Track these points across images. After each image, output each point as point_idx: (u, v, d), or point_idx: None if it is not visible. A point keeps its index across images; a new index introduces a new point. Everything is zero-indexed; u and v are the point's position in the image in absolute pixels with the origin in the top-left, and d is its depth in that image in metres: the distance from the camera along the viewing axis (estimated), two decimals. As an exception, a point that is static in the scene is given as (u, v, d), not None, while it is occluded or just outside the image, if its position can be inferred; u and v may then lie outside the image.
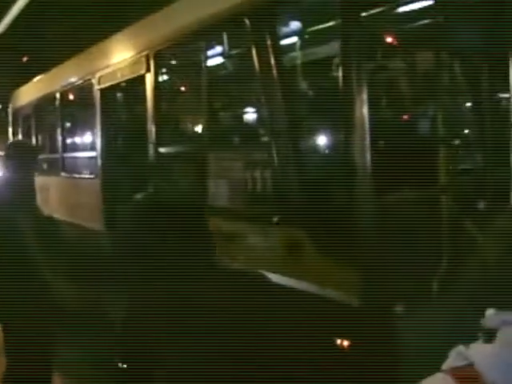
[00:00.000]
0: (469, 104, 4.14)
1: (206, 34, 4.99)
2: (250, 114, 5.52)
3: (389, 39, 4.74)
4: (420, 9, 4.29)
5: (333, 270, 3.55)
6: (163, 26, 5.61)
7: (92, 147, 7.75)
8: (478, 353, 0.95)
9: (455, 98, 4.12)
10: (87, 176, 7.90)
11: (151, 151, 5.88)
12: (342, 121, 3.57)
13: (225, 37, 5.25)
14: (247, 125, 5.59)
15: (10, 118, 11.79)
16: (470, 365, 0.94)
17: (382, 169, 3.40)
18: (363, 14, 3.43)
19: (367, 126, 3.35)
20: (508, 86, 2.60)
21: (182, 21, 5.14)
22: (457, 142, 4.03)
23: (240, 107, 5.77)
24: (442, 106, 3.94)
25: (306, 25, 4.62)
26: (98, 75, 7.24)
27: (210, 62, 5.37)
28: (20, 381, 3.85)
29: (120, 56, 6.61)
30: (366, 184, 3.40)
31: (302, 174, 3.83)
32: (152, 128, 5.83)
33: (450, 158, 3.90)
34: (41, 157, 10.12)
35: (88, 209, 7.67)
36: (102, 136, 7.28)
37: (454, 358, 1.00)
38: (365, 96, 3.36)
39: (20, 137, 10.90)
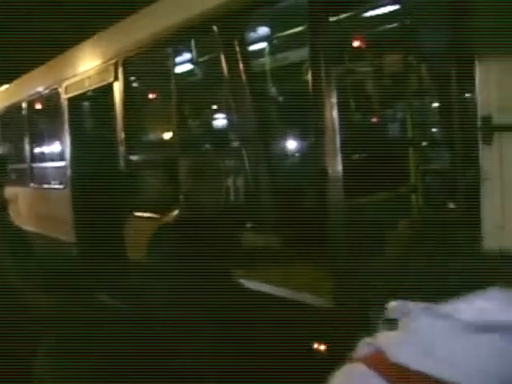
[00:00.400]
0: (437, 105, 4.19)
1: (176, 40, 4.97)
2: (221, 120, 5.52)
3: (357, 43, 4.78)
4: (386, 13, 4.34)
5: (306, 274, 3.56)
6: (132, 32, 5.57)
7: (61, 157, 7.66)
8: (384, 340, 1.06)
9: (424, 99, 4.17)
10: (57, 186, 7.80)
11: (122, 159, 5.84)
12: (312, 125, 3.59)
13: (194, 43, 5.25)
14: (218, 131, 5.59)
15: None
16: (379, 352, 1.04)
17: (352, 171, 3.43)
18: (331, 19, 3.45)
19: (337, 129, 3.37)
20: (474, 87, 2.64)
21: (150, 28, 5.12)
22: (425, 143, 4.07)
23: (210, 113, 5.76)
24: (410, 108, 3.99)
25: (275, 30, 4.64)
26: (65, 84, 7.17)
27: (180, 69, 5.36)
28: None
29: (87, 64, 6.56)
30: (336, 187, 3.42)
31: (273, 178, 3.84)
32: (122, 136, 5.79)
33: (419, 158, 3.95)
34: (10, 167, 9.95)
35: (58, 220, 7.57)
36: (72, 145, 7.20)
37: (363, 347, 1.10)
38: (334, 99, 3.38)
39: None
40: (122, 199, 5.93)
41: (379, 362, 1.04)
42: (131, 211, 5.65)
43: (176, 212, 3.83)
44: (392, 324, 1.08)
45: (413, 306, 1.06)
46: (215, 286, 3.65)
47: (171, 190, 5.01)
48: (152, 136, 6.50)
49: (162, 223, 3.92)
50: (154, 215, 5.25)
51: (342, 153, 3.37)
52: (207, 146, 5.19)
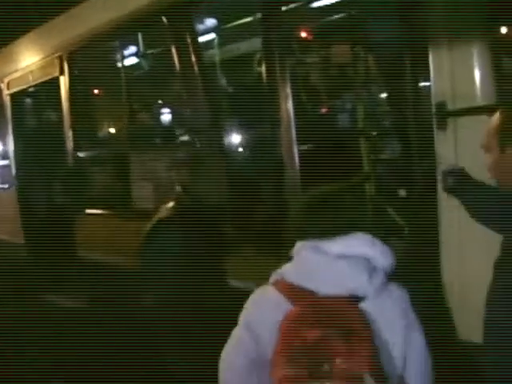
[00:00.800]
0: (389, 95, 4.24)
1: (123, 33, 4.87)
2: (171, 114, 5.44)
3: (306, 33, 4.79)
4: (337, 2, 4.36)
5: (267, 267, 3.54)
6: (77, 25, 5.43)
7: (4, 156, 7.42)
8: (285, 269, 1.64)
9: (374, 89, 4.22)
10: (1, 186, 7.55)
11: (69, 156, 5.70)
12: (266, 116, 3.58)
13: (141, 36, 5.15)
14: (168, 125, 5.51)
15: None
16: (282, 277, 1.62)
17: (307, 162, 3.43)
18: (283, 9, 3.45)
19: (292, 119, 3.38)
20: (428, 76, 2.68)
21: (97, 19, 4.99)
22: (376, 132, 4.12)
23: (160, 107, 5.68)
24: (362, 99, 4.03)
25: (225, 21, 4.59)
26: (6, 80, 6.94)
27: (128, 62, 5.25)
28: None
29: (31, 59, 6.36)
30: (293, 178, 3.42)
31: (229, 171, 3.81)
32: (68, 132, 5.65)
33: (371, 148, 4.00)
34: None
35: (4, 221, 7.34)
36: (15, 143, 6.98)
37: (274, 276, 1.65)
38: (288, 90, 3.38)
39: None
40: (71, 197, 5.79)
41: (281, 284, 1.59)
42: (81, 209, 5.53)
43: (172, 204, 3.75)
44: (291, 258, 1.65)
45: (301, 244, 1.63)
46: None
47: (121, 185, 4.92)
48: (101, 131, 6.35)
49: (160, 216, 3.83)
50: (106, 212, 5.16)
51: (297, 143, 3.38)
52: (157, 139, 5.09)
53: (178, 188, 3.69)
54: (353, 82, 4.12)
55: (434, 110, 2.66)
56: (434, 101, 2.67)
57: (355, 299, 1.52)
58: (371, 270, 1.55)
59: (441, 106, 2.63)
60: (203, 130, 3.94)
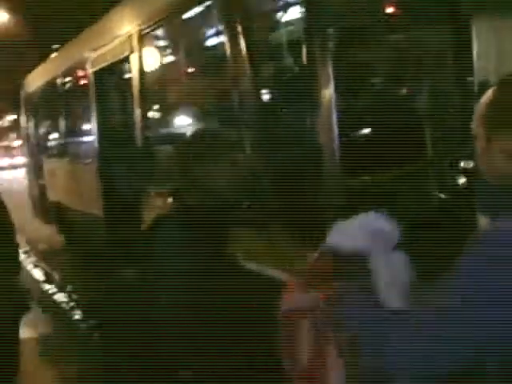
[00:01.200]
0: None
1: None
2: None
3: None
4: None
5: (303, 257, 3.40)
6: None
7: (87, 132, 7.67)
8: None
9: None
10: (85, 161, 7.81)
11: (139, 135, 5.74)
12: (309, 104, 3.41)
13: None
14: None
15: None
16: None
17: (351, 151, 3.24)
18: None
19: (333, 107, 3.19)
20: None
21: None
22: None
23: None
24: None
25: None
26: (91, 57, 7.13)
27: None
28: None
29: (110, 37, 6.47)
30: (334, 167, 3.25)
31: (270, 159, 3.68)
32: (140, 111, 5.70)
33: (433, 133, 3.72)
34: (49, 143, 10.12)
35: (84, 194, 7.61)
36: (98, 120, 7.18)
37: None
38: (331, 78, 3.19)
39: None
40: (141, 175, 5.86)
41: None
42: (147, 188, 5.59)
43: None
44: None
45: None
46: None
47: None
48: (170, 112, 6.34)
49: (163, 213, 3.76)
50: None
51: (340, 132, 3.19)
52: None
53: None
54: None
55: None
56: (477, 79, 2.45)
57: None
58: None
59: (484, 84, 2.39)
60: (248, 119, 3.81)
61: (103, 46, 6.70)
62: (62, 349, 5.35)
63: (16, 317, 3.78)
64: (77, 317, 6.50)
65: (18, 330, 3.81)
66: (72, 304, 6.97)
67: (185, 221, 2.40)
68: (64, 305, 7.01)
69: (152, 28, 5.40)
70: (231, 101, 4.11)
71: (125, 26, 5.99)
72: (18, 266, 3.84)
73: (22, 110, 12.28)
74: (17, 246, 3.80)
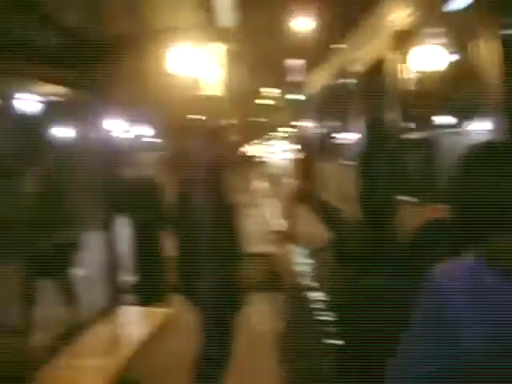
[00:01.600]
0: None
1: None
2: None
3: None
4: None
5: None
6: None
7: (345, 130, 7.64)
8: None
9: None
10: (345, 162, 7.80)
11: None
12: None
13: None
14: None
15: None
16: None
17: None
18: None
19: None
20: None
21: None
22: None
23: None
24: None
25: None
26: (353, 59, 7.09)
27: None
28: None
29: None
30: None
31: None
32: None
33: None
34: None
35: (346, 195, 7.62)
36: (364, 123, 7.13)
37: None
38: None
39: None
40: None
41: None
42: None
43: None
44: None
45: None
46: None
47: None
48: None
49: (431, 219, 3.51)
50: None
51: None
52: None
53: None
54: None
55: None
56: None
57: None
58: None
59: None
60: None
61: (368, 45, 6.63)
62: (300, 345, 5.42)
63: (233, 312, 3.82)
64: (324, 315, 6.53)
65: (233, 325, 3.85)
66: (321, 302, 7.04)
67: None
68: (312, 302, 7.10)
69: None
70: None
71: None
72: (240, 255, 3.80)
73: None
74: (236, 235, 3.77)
